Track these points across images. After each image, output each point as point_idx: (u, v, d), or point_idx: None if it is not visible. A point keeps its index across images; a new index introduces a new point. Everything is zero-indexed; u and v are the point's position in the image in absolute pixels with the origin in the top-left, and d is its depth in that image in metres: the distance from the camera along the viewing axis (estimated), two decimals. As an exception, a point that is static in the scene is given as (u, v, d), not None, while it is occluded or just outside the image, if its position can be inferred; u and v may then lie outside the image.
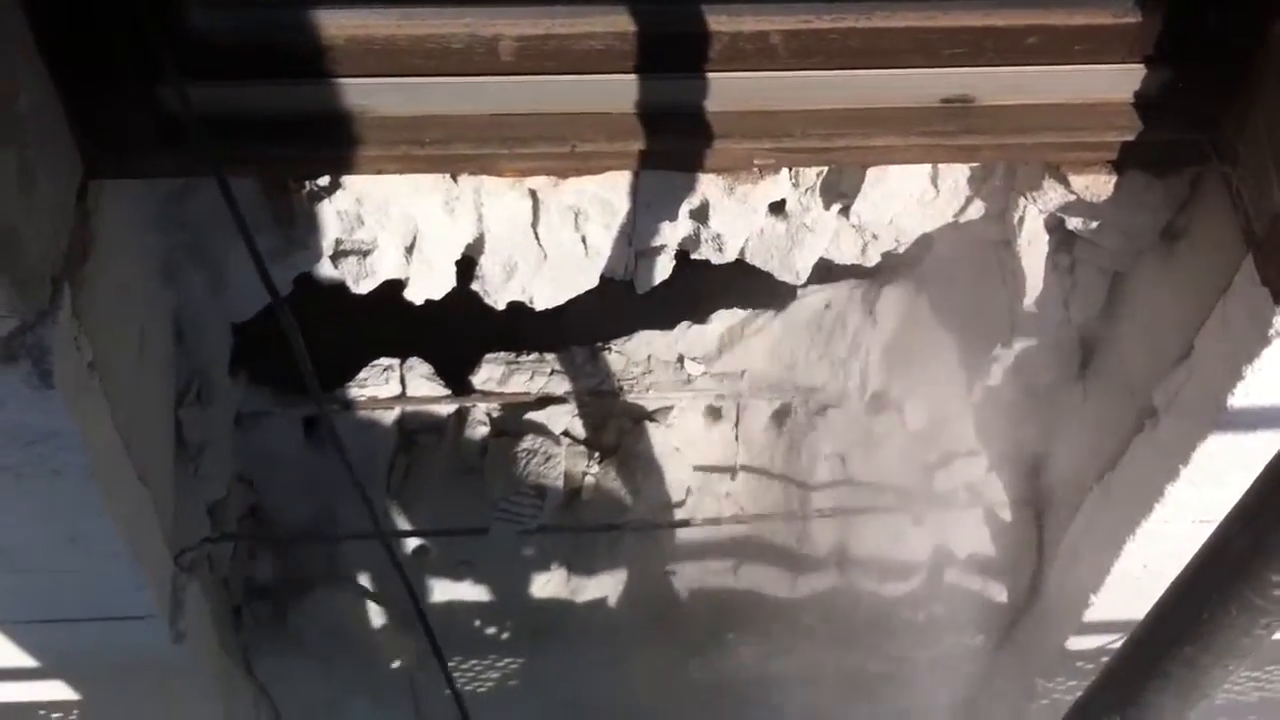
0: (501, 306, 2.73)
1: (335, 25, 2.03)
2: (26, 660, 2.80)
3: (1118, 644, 2.97)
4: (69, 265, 2.02)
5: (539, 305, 2.72)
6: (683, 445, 3.37)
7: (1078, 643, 3.23)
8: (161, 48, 1.94)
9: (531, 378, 3.29)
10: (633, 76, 2.14)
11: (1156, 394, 2.60)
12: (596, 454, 3.28)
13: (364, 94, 2.11)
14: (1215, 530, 1.57)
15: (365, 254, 2.53)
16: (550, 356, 3.33)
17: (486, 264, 2.61)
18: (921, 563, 3.44)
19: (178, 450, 2.79)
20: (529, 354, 3.33)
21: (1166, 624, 1.69)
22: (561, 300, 2.73)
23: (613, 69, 2.12)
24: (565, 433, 3.28)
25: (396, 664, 3.58)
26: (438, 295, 2.68)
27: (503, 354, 3.32)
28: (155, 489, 2.56)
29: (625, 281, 2.75)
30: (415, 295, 2.66)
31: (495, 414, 3.33)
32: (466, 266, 2.66)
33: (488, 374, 3.29)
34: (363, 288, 2.61)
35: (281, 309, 2.09)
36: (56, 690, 2.99)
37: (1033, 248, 2.75)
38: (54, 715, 3.14)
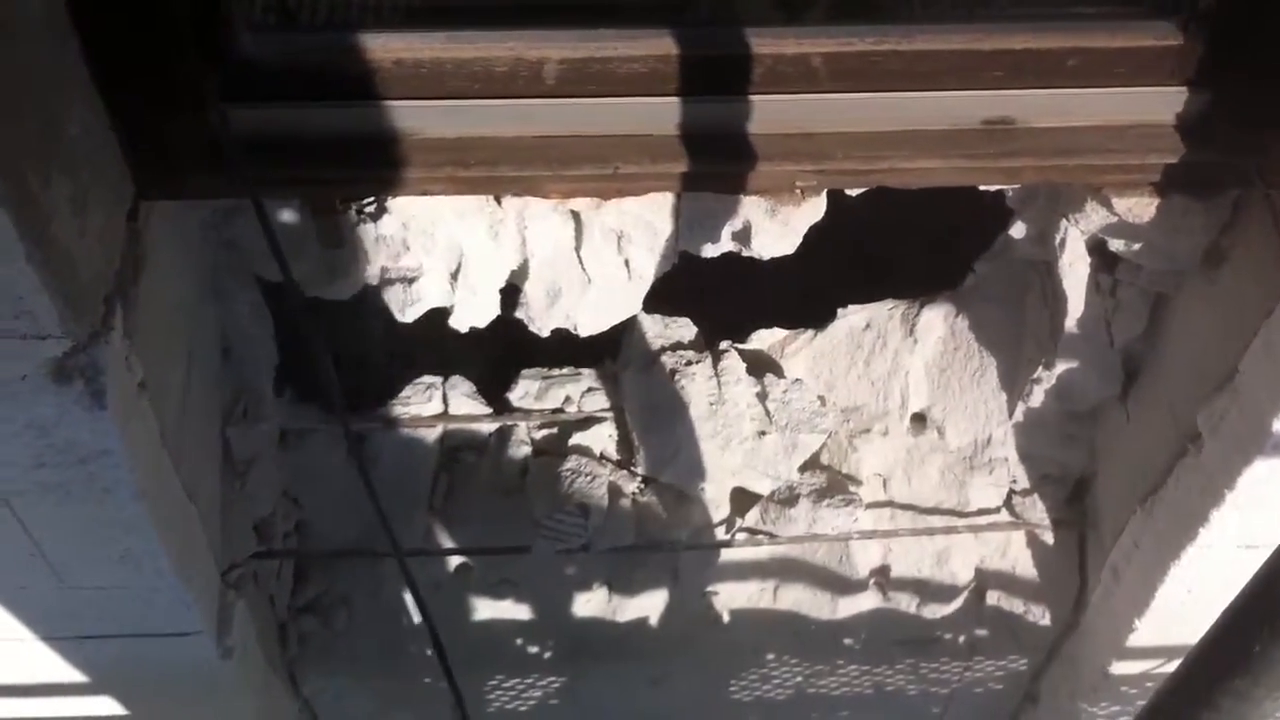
0: (546, 334, 2.74)
1: (381, 49, 2.06)
2: (75, 675, 2.84)
3: (1162, 669, 2.97)
4: (120, 285, 2.05)
5: (583, 332, 2.74)
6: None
7: (1121, 667, 3.21)
8: (206, 72, 1.98)
9: (568, 394, 3.31)
10: (675, 99, 2.16)
11: (1200, 417, 2.59)
12: (638, 474, 3.28)
13: (409, 116, 2.13)
14: (1266, 560, 1.56)
15: (411, 281, 2.55)
16: (587, 373, 3.34)
17: (531, 290, 2.63)
18: (962, 585, 3.43)
19: (224, 468, 2.82)
20: (564, 369, 3.35)
21: (1215, 655, 1.67)
22: (605, 326, 2.75)
23: (655, 92, 2.14)
24: (602, 455, 3.29)
25: (436, 681, 3.59)
26: (482, 323, 2.71)
27: (539, 369, 3.34)
28: (203, 506, 2.60)
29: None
30: (460, 323, 2.68)
31: (537, 432, 3.34)
32: (510, 294, 2.69)
33: (524, 389, 3.31)
34: (408, 316, 2.63)
35: (311, 330, 2.12)
36: (104, 706, 3.02)
37: (1074, 269, 2.75)
38: (100, 730, 3.18)
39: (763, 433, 3.17)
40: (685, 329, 3.24)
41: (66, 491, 2.20)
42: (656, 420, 3.17)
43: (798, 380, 3.24)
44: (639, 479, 3.27)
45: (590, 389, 3.31)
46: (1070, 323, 2.82)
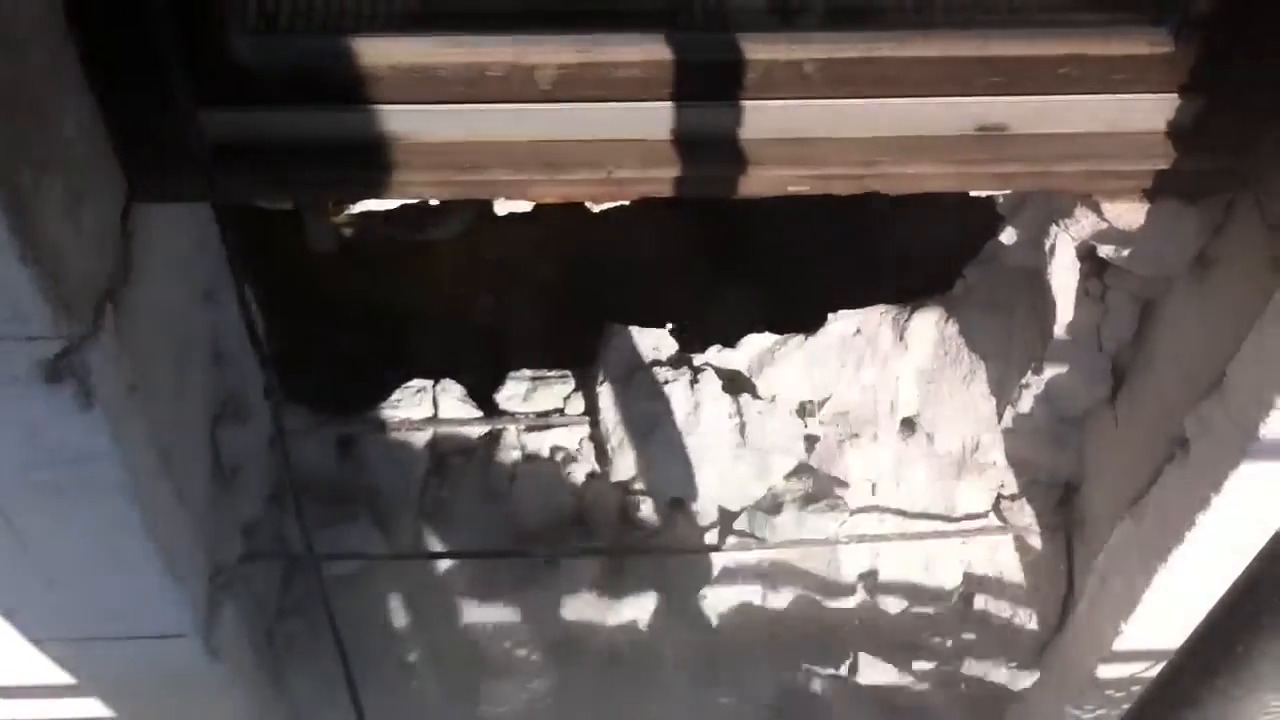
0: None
1: (376, 53, 2.06)
2: (62, 677, 2.83)
3: (1148, 673, 2.97)
4: (112, 287, 2.05)
5: None
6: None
7: (1108, 671, 3.21)
8: (198, 74, 1.97)
9: (556, 396, 3.31)
10: (669, 104, 2.16)
11: (1188, 422, 2.60)
12: (626, 478, 3.28)
13: (404, 120, 2.13)
14: (1251, 562, 1.57)
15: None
16: (573, 375, 3.35)
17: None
18: (950, 589, 3.44)
19: (214, 470, 2.82)
20: (553, 371, 3.35)
21: (1200, 655, 1.68)
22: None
23: (649, 96, 2.15)
24: (595, 454, 3.29)
25: (423, 684, 3.59)
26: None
27: (527, 371, 3.34)
28: (192, 508, 2.59)
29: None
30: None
31: (526, 435, 3.34)
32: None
33: (512, 391, 3.31)
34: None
35: (255, 336, 2.10)
36: (91, 707, 3.01)
37: (1064, 275, 2.76)
38: (88, 732, 3.17)
39: (737, 457, 3.20)
40: (664, 341, 3.26)
41: (56, 492, 2.19)
42: (632, 435, 3.18)
43: (773, 401, 3.25)
44: (626, 482, 3.28)
45: (576, 390, 3.32)
46: (1060, 328, 2.84)
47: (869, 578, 3.45)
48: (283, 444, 2.40)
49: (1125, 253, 2.58)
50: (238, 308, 2.67)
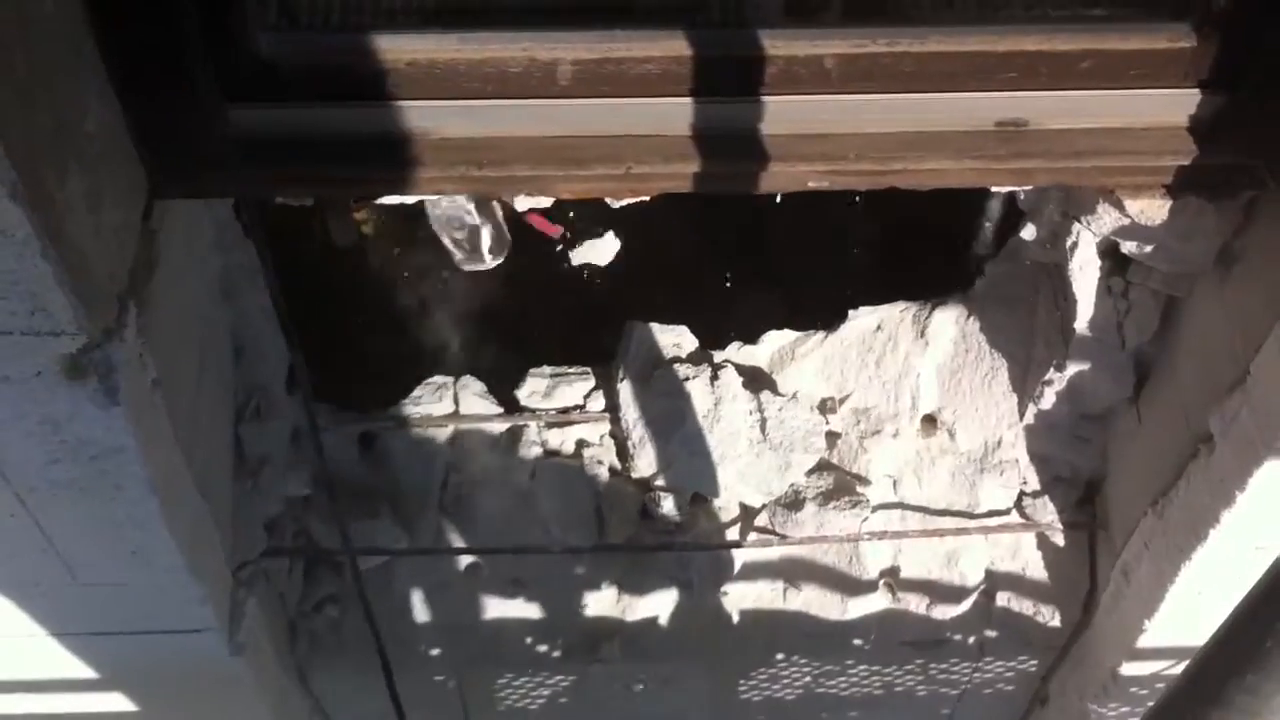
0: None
1: (396, 50, 2.07)
2: (86, 671, 2.85)
3: (1172, 670, 2.96)
4: (134, 284, 2.06)
5: None
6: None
7: (1131, 668, 3.20)
8: (221, 71, 1.98)
9: (576, 393, 3.32)
10: (688, 100, 2.16)
11: (1212, 420, 2.59)
12: (648, 474, 3.29)
13: (424, 116, 2.14)
14: (1277, 558, 1.57)
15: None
16: (593, 371, 3.35)
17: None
18: (972, 586, 3.43)
19: (237, 466, 2.83)
20: (572, 368, 3.35)
21: (1228, 650, 1.67)
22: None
23: (668, 92, 2.14)
24: (616, 450, 3.30)
25: (446, 679, 3.60)
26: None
27: (547, 368, 3.35)
28: (215, 504, 2.60)
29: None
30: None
31: (546, 432, 3.35)
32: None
33: (532, 388, 3.32)
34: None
35: (286, 326, 2.11)
36: (115, 702, 3.03)
37: (1086, 271, 2.75)
38: (112, 726, 3.19)
39: (758, 453, 3.19)
40: (684, 338, 3.26)
41: (79, 488, 2.21)
42: (653, 431, 3.19)
43: (794, 397, 3.25)
44: (647, 478, 3.28)
45: (596, 388, 3.32)
46: (1082, 325, 2.82)
47: (891, 574, 3.44)
48: (315, 437, 2.40)
49: (1148, 249, 2.57)
50: (259, 304, 2.69)
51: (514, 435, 3.33)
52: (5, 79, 1.60)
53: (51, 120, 1.74)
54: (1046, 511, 3.27)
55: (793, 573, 3.44)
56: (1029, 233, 2.78)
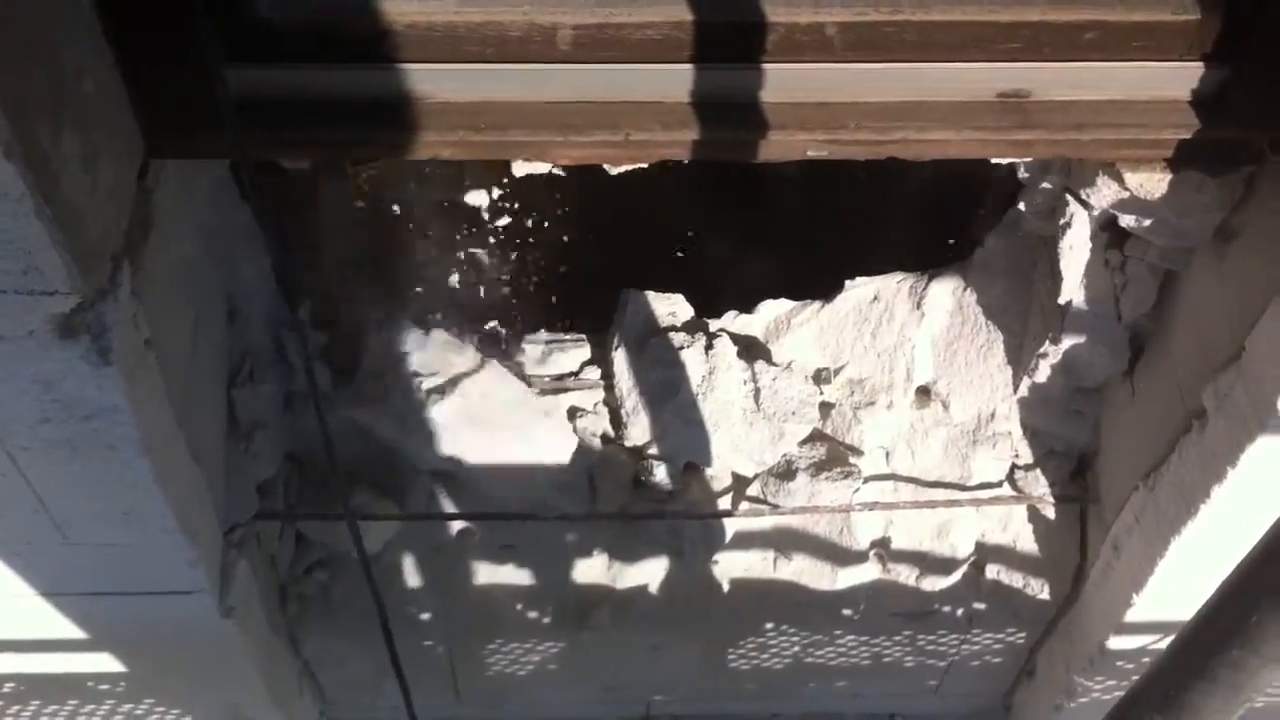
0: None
1: (396, 11, 2.05)
2: (76, 632, 2.85)
3: (1159, 645, 2.97)
4: (129, 244, 2.05)
5: None
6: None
7: (1118, 642, 3.22)
8: (217, 31, 1.97)
9: (571, 360, 3.31)
10: (688, 66, 2.15)
11: (1206, 395, 2.59)
12: (641, 442, 3.29)
13: (422, 79, 2.13)
14: (1266, 533, 1.57)
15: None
16: (588, 338, 3.34)
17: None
18: (963, 558, 3.44)
19: (229, 429, 2.82)
20: (568, 335, 3.35)
21: (1214, 625, 1.68)
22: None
23: (668, 59, 2.13)
24: (609, 418, 3.29)
25: (435, 644, 3.61)
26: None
27: (543, 334, 3.34)
28: (207, 466, 2.60)
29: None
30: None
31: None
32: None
33: (527, 354, 3.31)
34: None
35: (284, 286, 2.10)
36: (104, 662, 3.03)
37: (1083, 244, 2.74)
38: (101, 686, 3.19)
39: (751, 423, 3.19)
40: (680, 307, 3.25)
41: (71, 448, 2.20)
42: (647, 400, 3.18)
43: (788, 367, 3.24)
44: (639, 447, 3.28)
45: (591, 360, 3.32)
46: (1078, 298, 2.82)
47: (881, 545, 3.45)
48: (316, 399, 2.40)
49: (1146, 223, 2.56)
50: (254, 267, 2.68)
51: (508, 401, 3.32)
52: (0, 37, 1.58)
53: (46, 78, 1.73)
54: (1038, 484, 3.28)
55: (784, 542, 3.44)
56: (1028, 205, 2.78)
